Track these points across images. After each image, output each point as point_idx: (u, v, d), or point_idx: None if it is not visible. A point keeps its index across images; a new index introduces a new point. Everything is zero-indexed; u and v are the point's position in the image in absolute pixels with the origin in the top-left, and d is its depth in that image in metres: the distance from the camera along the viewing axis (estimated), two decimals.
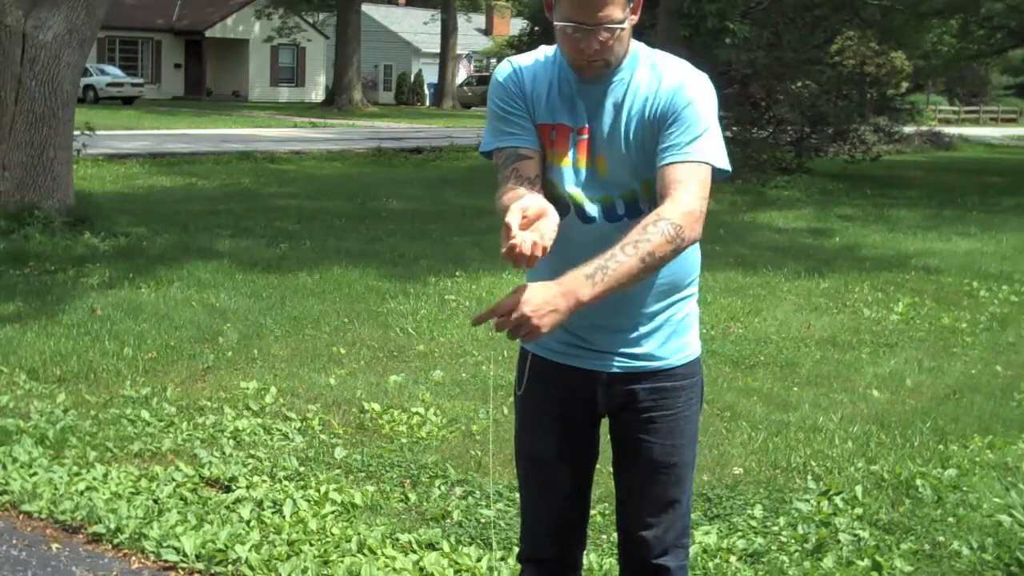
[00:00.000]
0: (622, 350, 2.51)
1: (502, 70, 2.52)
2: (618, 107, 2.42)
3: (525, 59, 2.52)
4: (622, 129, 2.41)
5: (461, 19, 53.64)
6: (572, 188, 2.44)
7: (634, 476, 2.58)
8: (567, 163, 2.45)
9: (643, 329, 2.51)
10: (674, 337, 2.54)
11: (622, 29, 2.34)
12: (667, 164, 2.33)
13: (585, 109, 2.43)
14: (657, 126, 2.37)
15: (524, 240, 2.11)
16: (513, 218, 2.15)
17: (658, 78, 2.40)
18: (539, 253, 2.11)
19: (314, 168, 19.45)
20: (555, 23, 2.36)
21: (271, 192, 15.24)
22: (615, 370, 2.52)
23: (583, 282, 2.18)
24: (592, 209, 2.43)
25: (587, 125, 2.43)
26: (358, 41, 43.04)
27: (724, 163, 2.37)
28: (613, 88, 2.42)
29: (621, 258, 2.21)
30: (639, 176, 2.42)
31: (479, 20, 63.37)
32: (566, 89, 2.45)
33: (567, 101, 2.44)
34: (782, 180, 18.44)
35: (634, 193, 2.43)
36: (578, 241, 2.39)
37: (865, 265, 10.19)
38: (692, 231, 2.27)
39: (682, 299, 2.55)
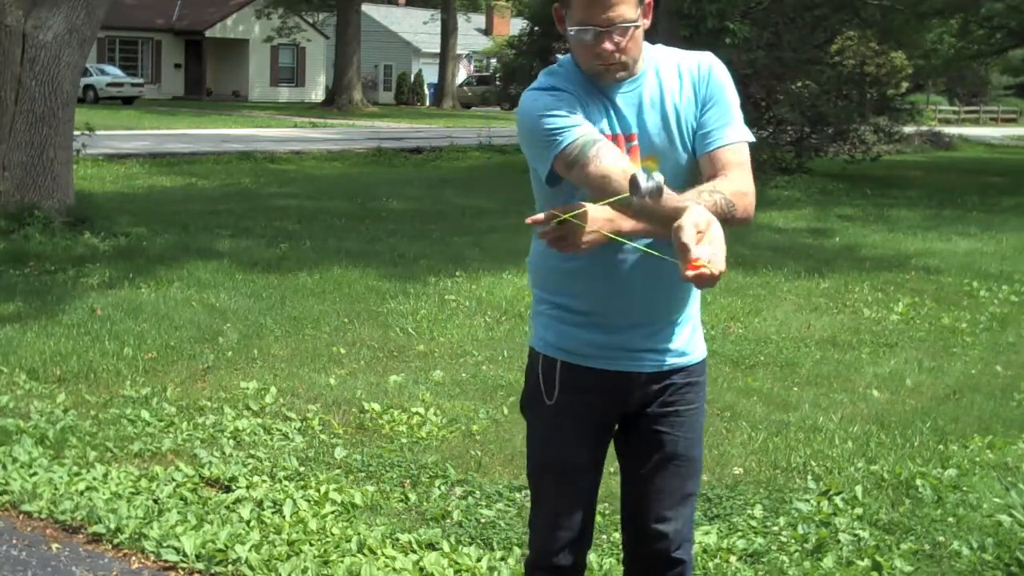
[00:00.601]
0: (658, 347, 2.53)
1: (538, 88, 2.44)
2: (658, 106, 2.43)
3: (547, 80, 2.45)
4: (671, 126, 2.43)
5: (461, 19, 53.63)
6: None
7: (655, 470, 2.57)
8: None
9: (677, 328, 2.55)
10: (695, 333, 2.60)
11: (636, 28, 2.34)
12: (715, 149, 2.40)
13: (627, 115, 2.43)
14: (698, 112, 2.43)
15: (711, 260, 2.02)
16: (688, 236, 2.03)
17: (682, 68, 2.45)
18: (719, 271, 2.02)
19: (314, 168, 19.45)
20: (569, 30, 2.36)
21: (271, 192, 15.24)
22: (653, 369, 2.53)
23: (626, 214, 2.24)
24: None
25: (634, 131, 2.43)
26: (358, 41, 43.04)
27: (752, 136, 2.47)
28: (646, 89, 2.44)
29: (670, 203, 2.18)
30: (685, 170, 2.45)
31: (479, 20, 63.37)
32: (600, 99, 2.43)
33: (605, 111, 2.43)
34: (782, 180, 18.43)
35: (683, 188, 2.42)
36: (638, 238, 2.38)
37: (865, 265, 10.19)
38: (745, 211, 2.34)
39: (698, 296, 2.61)
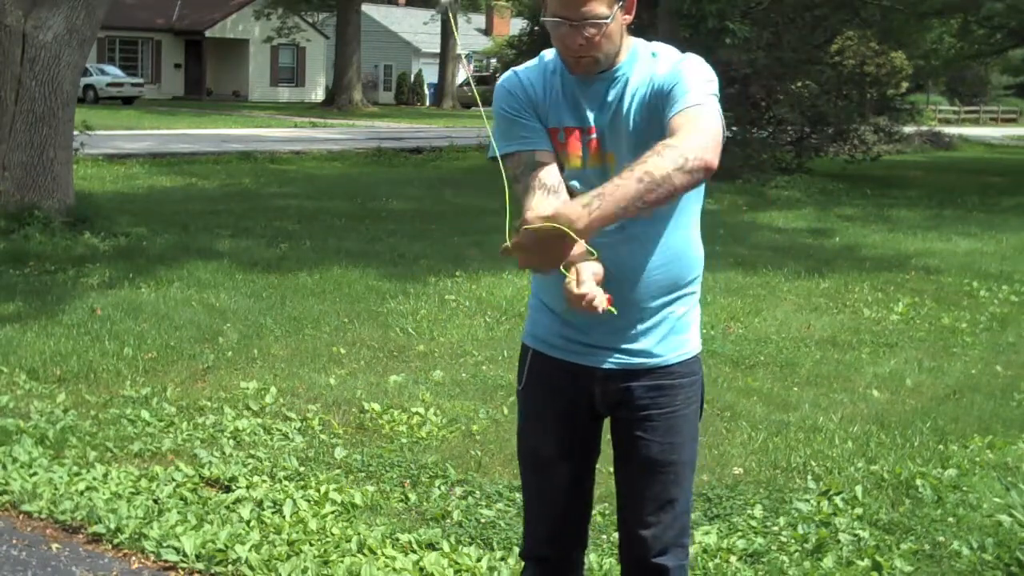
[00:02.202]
0: (619, 346, 2.51)
1: (506, 78, 2.55)
2: (620, 101, 2.44)
3: (528, 66, 2.55)
4: (629, 122, 2.43)
5: (461, 19, 53.62)
6: (581, 188, 2.43)
7: (632, 475, 2.58)
8: (578, 164, 2.47)
9: (640, 326, 2.51)
10: (672, 335, 2.54)
11: (607, 24, 2.35)
12: (669, 118, 2.30)
13: (589, 109, 2.45)
14: (659, 105, 2.37)
15: (599, 296, 2.21)
16: (587, 281, 2.22)
17: (654, 64, 2.44)
18: (604, 306, 2.22)
19: (314, 168, 19.45)
20: (543, 20, 2.40)
21: (271, 192, 15.24)
22: (611, 366, 2.52)
23: (580, 212, 2.11)
24: None
25: (593, 125, 2.45)
26: (358, 41, 43.04)
27: (721, 120, 2.32)
28: (615, 84, 2.45)
29: (617, 181, 2.15)
30: None
31: (479, 20, 63.35)
32: (569, 91, 2.47)
33: (571, 103, 2.47)
34: (782, 180, 18.44)
35: None
36: (595, 239, 2.38)
37: (865, 265, 10.19)
38: (700, 157, 2.17)
39: (681, 297, 2.55)
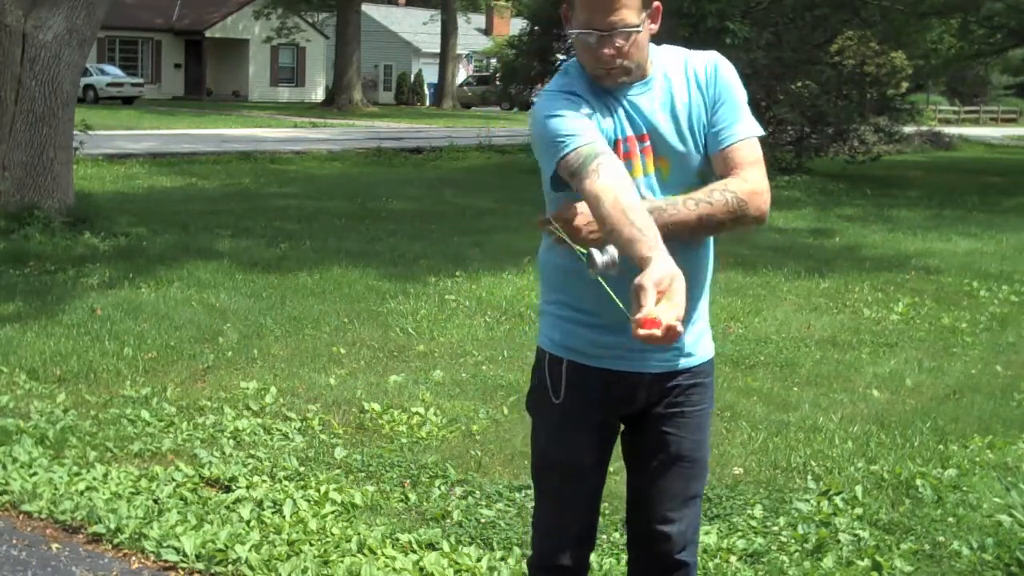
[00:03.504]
0: (666, 348, 2.46)
1: (553, 90, 2.44)
2: (668, 107, 2.44)
3: (561, 82, 2.46)
4: (683, 127, 2.44)
5: (461, 19, 53.61)
6: (644, 193, 2.42)
7: (659, 471, 2.56)
8: (639, 173, 2.43)
9: (685, 327, 2.49)
10: (704, 333, 2.58)
11: (638, 33, 2.35)
12: (727, 147, 2.41)
13: (639, 117, 2.44)
14: (708, 113, 2.44)
15: (661, 320, 1.98)
16: (647, 298, 2.00)
17: (688, 69, 2.47)
18: (675, 335, 1.99)
19: (314, 168, 19.45)
20: (573, 32, 2.38)
21: (271, 192, 15.24)
22: (657, 370, 2.51)
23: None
24: None
25: (646, 132, 2.44)
26: (358, 41, 43.03)
27: (761, 130, 2.47)
28: (656, 92, 2.45)
29: (680, 207, 2.28)
30: (696, 171, 2.46)
31: (479, 20, 63.36)
32: (609, 102, 2.44)
33: (613, 114, 2.44)
34: (782, 180, 18.42)
35: (693, 189, 2.44)
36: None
37: (865, 265, 10.19)
38: (758, 209, 2.36)
39: (708, 295, 2.59)
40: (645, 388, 2.52)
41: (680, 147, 2.44)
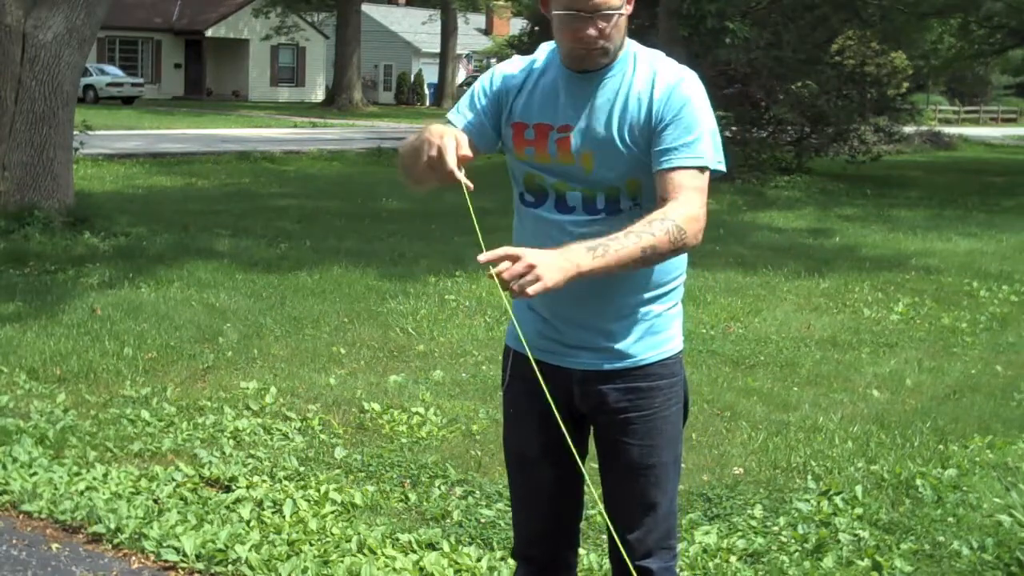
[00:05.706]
0: (594, 346, 2.50)
1: (505, 63, 2.59)
2: (611, 105, 2.43)
3: (533, 56, 2.56)
4: (615, 128, 2.42)
5: (460, 19, 53.60)
6: (555, 180, 2.47)
7: (613, 478, 2.57)
8: (546, 159, 2.47)
9: (615, 326, 2.49)
10: (649, 334, 2.51)
11: (620, 15, 2.36)
12: (668, 168, 2.37)
13: (571, 106, 2.44)
14: (652, 127, 2.39)
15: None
16: (451, 157, 2.39)
17: (651, 78, 2.43)
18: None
19: (314, 168, 19.45)
20: (553, 13, 2.39)
21: (271, 192, 15.24)
22: (588, 367, 2.51)
23: (584, 253, 2.24)
24: (573, 200, 2.46)
25: (570, 123, 2.44)
26: (358, 41, 43.02)
27: (721, 165, 2.42)
28: (605, 85, 2.44)
29: (624, 242, 2.26)
30: (626, 175, 2.44)
31: (478, 20, 63.35)
32: (551, 87, 2.47)
33: (550, 99, 2.46)
34: (782, 180, 18.44)
35: (617, 191, 2.44)
36: (554, 229, 2.45)
37: (865, 265, 10.19)
38: (694, 237, 2.35)
39: (660, 296, 2.52)
40: (577, 385, 2.52)
41: (611, 146, 2.42)
